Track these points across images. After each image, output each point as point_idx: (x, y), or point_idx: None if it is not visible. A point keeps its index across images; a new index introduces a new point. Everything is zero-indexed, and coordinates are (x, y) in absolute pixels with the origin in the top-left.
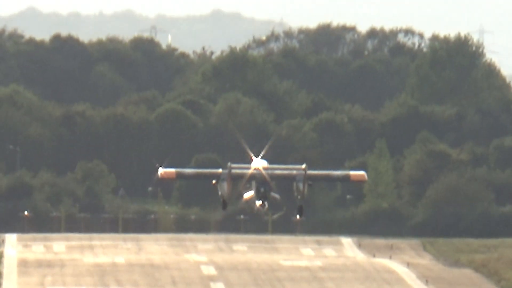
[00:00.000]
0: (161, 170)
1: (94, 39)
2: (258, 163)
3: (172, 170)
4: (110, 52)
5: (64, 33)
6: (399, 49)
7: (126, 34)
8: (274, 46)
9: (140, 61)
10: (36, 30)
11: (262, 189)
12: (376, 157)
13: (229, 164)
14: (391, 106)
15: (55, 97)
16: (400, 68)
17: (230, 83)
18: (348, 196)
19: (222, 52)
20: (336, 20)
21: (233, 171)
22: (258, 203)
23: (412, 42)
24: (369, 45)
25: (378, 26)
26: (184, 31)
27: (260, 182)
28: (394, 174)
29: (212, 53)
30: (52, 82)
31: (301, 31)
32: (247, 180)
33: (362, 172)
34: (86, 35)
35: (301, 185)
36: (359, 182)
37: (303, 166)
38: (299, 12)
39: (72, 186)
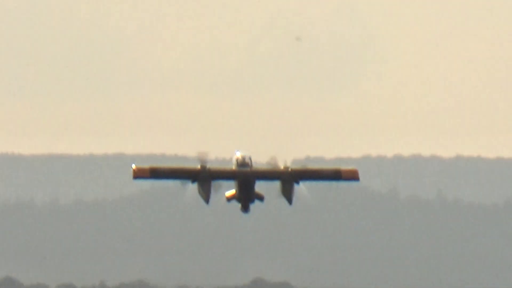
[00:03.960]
0: (133, 166)
1: None
2: (240, 156)
3: (146, 166)
4: None
5: None
6: None
7: None
8: None
9: None
10: None
11: (245, 189)
12: None
13: (207, 165)
14: None
15: None
16: None
17: None
18: None
19: None
20: None
21: (213, 169)
22: (241, 204)
23: None
24: None
25: None
26: None
27: (242, 181)
28: None
29: None
30: None
31: None
32: (228, 179)
33: (354, 168)
34: None
35: (287, 186)
36: (352, 180)
37: (289, 167)
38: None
39: None
